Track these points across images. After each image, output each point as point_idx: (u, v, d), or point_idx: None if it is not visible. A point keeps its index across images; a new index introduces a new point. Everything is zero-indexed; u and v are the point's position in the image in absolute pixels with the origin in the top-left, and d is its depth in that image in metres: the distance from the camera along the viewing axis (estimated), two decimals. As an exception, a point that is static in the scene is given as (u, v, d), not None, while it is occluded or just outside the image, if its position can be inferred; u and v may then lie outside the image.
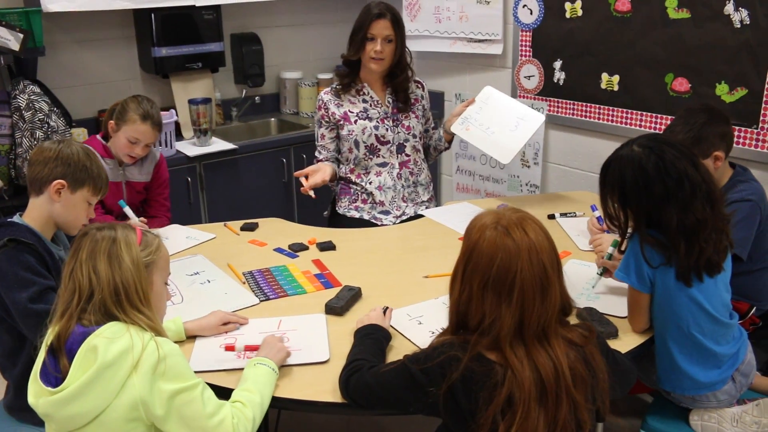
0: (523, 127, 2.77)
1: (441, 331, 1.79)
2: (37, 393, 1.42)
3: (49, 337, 1.45)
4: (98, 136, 2.66)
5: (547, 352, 1.34)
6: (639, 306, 1.87)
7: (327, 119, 2.81)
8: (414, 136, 2.86)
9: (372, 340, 1.69)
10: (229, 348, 1.72)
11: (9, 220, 1.86)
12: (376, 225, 2.79)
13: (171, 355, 1.40)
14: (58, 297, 1.47)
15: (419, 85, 2.93)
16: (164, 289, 1.58)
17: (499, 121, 2.78)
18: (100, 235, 1.46)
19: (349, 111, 2.79)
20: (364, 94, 2.80)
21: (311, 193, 2.61)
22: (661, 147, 1.78)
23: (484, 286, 1.35)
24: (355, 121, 2.78)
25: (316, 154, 2.87)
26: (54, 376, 1.41)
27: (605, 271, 2.08)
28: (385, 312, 1.83)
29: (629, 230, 1.85)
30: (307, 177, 2.65)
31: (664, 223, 1.76)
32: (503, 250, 1.34)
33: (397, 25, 2.69)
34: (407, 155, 2.85)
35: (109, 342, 1.37)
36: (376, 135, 2.78)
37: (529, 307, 1.33)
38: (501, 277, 1.33)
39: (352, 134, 2.77)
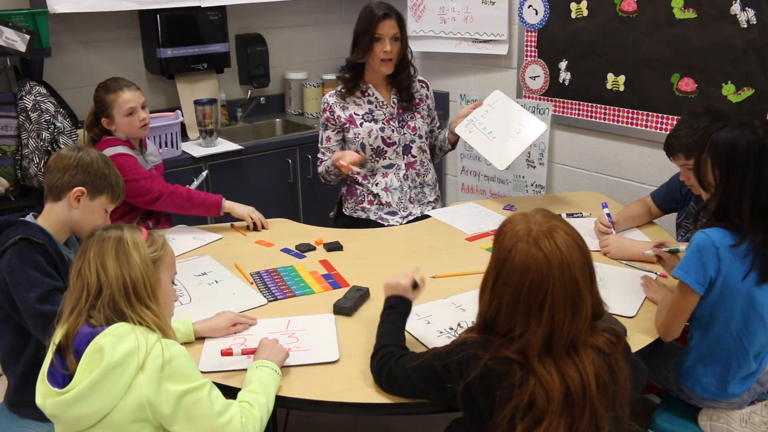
0: (524, 134, 2.77)
1: (452, 329, 1.80)
2: (44, 394, 1.43)
3: (57, 335, 1.46)
4: (109, 138, 2.60)
5: (576, 364, 1.32)
6: (683, 309, 1.80)
7: (332, 122, 2.81)
8: (420, 137, 2.85)
9: (397, 316, 1.71)
10: (227, 353, 1.71)
11: (21, 219, 1.87)
12: (382, 225, 2.79)
13: (177, 357, 1.41)
14: (66, 297, 1.48)
15: (424, 85, 2.92)
16: (171, 288, 1.59)
17: (501, 127, 2.78)
18: (107, 235, 1.48)
19: (354, 113, 2.79)
20: (369, 95, 2.80)
21: (355, 169, 2.64)
22: None
23: (515, 302, 1.33)
24: (361, 124, 2.78)
25: (320, 156, 2.86)
26: (61, 375, 1.42)
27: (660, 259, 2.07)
28: (414, 286, 1.79)
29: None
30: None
31: (763, 203, 1.73)
32: (535, 266, 1.31)
33: (402, 23, 2.71)
34: (413, 156, 2.85)
35: (116, 342, 1.37)
36: (382, 137, 2.78)
37: (559, 323, 1.32)
38: (533, 294, 1.31)
39: (358, 137, 2.77)
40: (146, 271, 1.47)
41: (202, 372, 1.53)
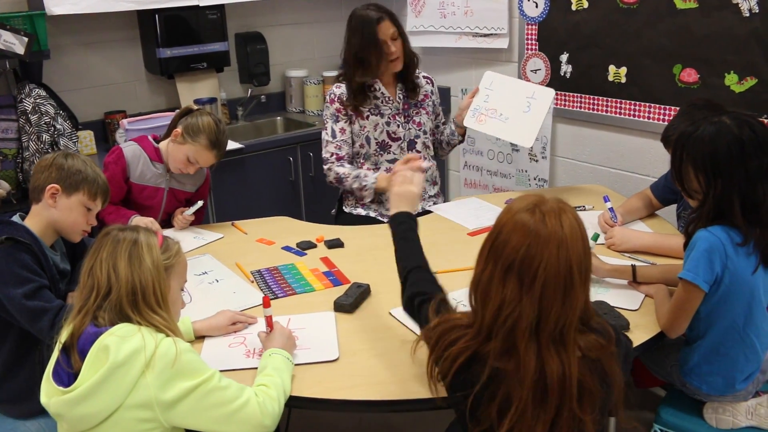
0: (536, 106, 2.71)
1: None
2: (49, 393, 1.43)
3: (63, 334, 1.47)
4: (150, 138, 2.58)
5: (560, 357, 1.26)
6: (689, 307, 1.77)
7: (344, 112, 2.75)
8: (425, 133, 2.84)
9: (412, 233, 1.70)
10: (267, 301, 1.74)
11: (8, 219, 1.88)
12: (382, 222, 2.77)
13: (185, 353, 1.42)
14: (75, 294, 1.49)
15: (429, 81, 2.90)
16: (180, 296, 1.60)
17: (509, 105, 2.73)
18: (122, 236, 1.49)
19: (360, 106, 2.76)
20: (375, 90, 2.77)
21: (426, 164, 2.35)
22: (753, 123, 1.74)
23: (509, 266, 1.26)
24: (367, 117, 2.76)
25: (335, 150, 2.75)
26: (66, 374, 1.43)
27: None
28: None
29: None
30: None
31: (754, 199, 1.71)
32: (534, 235, 1.25)
33: (396, 19, 2.68)
34: (417, 152, 2.83)
35: (121, 341, 1.38)
36: (387, 131, 2.76)
37: (548, 305, 1.25)
38: (527, 263, 1.25)
39: (363, 130, 2.75)
40: (157, 277, 1.47)
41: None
